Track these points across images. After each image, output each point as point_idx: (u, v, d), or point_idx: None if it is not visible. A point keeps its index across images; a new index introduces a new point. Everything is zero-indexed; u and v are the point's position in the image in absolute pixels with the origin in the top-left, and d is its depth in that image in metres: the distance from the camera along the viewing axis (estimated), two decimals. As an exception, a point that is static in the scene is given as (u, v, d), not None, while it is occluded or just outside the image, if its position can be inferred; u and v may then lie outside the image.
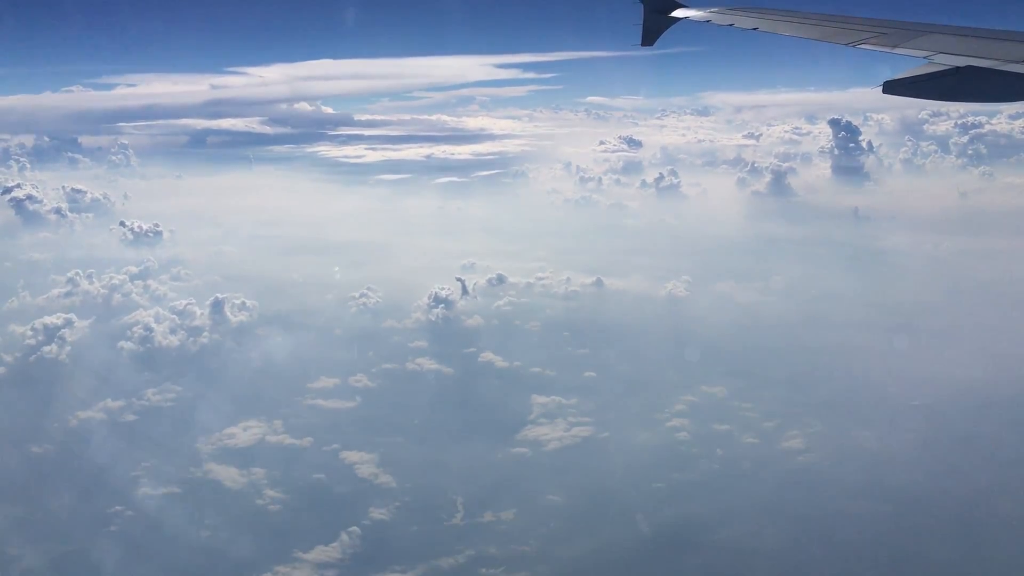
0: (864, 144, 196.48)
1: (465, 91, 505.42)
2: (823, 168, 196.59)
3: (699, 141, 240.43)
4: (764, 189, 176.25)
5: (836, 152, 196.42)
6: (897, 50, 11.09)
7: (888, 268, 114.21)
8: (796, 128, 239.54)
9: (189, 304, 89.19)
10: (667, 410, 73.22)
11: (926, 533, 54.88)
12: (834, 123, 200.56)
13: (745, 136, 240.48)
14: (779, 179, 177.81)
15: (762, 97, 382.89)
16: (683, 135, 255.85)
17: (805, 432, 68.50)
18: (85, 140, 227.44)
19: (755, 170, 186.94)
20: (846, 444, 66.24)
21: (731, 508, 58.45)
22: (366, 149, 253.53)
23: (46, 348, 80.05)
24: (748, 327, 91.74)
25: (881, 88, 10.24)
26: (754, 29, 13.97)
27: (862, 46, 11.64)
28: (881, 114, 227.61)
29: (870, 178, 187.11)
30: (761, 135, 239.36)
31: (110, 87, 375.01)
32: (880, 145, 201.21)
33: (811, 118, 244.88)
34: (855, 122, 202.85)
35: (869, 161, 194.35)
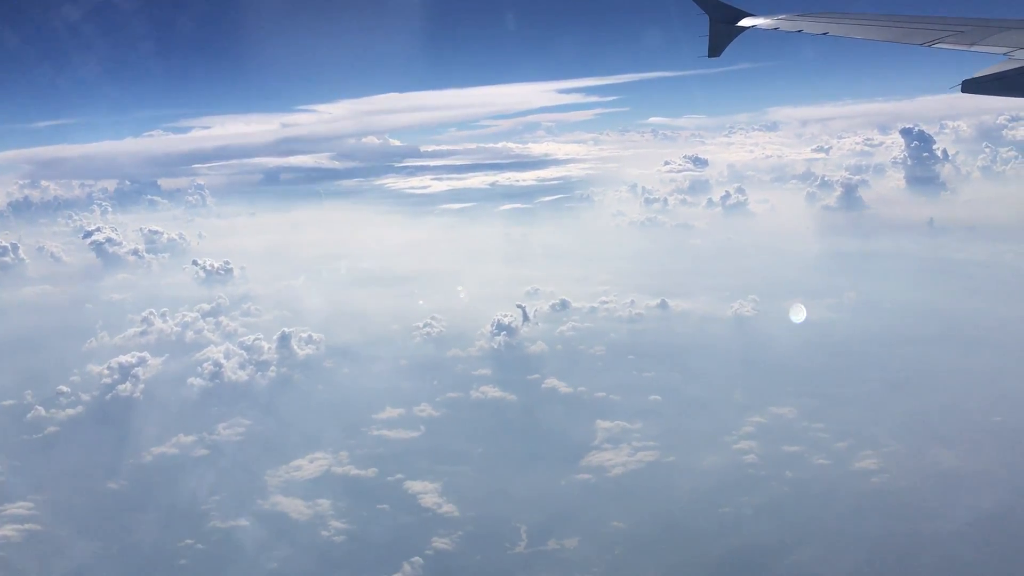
0: (939, 152, 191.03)
1: (531, 117, 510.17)
2: (897, 179, 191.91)
3: (767, 157, 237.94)
4: (835, 203, 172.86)
5: (909, 162, 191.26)
6: (975, 48, 10.77)
7: (966, 281, 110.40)
8: (868, 139, 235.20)
9: (257, 339, 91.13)
10: (735, 432, 71.67)
11: (1010, 557, 52.38)
12: (906, 132, 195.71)
13: (814, 150, 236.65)
14: (850, 192, 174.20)
15: (829, 110, 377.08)
16: (751, 151, 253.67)
17: (879, 452, 66.17)
18: (164, 182, 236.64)
19: (825, 184, 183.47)
20: (923, 464, 63.76)
21: (802, 532, 56.66)
22: (432, 179, 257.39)
23: (121, 386, 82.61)
24: (819, 345, 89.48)
25: (959, 88, 9.88)
26: (824, 34, 13.66)
27: (938, 45, 11.31)
28: (957, 121, 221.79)
29: (946, 187, 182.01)
30: (831, 148, 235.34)
31: (186, 130, 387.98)
32: (956, 153, 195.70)
33: (883, 128, 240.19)
34: (930, 130, 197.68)
35: (945, 170, 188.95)
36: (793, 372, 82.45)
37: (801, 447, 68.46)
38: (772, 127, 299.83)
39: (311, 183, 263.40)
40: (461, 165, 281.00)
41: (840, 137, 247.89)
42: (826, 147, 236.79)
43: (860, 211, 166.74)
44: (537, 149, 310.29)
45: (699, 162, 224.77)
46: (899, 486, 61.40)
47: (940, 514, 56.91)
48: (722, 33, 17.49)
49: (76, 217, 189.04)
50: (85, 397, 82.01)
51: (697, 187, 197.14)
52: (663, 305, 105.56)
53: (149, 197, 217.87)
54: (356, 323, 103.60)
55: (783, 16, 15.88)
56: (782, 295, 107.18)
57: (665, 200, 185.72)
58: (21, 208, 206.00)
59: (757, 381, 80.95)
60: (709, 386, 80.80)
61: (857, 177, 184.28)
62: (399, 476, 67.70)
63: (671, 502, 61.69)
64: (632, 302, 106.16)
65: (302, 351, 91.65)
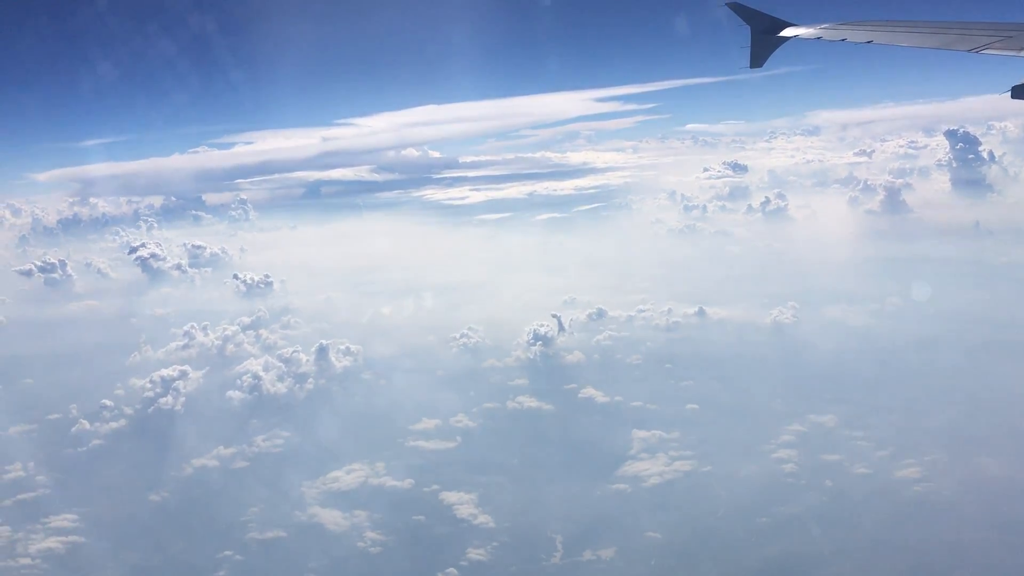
0: (985, 154, 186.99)
1: (571, 126, 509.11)
2: (942, 182, 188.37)
3: (808, 162, 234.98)
4: (878, 207, 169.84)
5: (955, 164, 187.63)
6: None
7: (1012, 285, 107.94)
8: (912, 142, 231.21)
9: (296, 351, 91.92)
10: (773, 441, 70.86)
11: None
12: (951, 134, 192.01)
13: (856, 153, 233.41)
14: (893, 196, 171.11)
15: (870, 113, 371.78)
16: (791, 156, 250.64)
17: (921, 460, 64.92)
18: (208, 197, 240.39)
19: (868, 188, 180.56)
20: (967, 472, 62.46)
21: (841, 543, 55.87)
22: (470, 190, 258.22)
23: (163, 400, 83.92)
24: (860, 351, 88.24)
25: (1008, 94, 9.74)
26: (868, 42, 13.55)
27: (986, 51, 11.12)
28: (1004, 122, 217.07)
29: (993, 190, 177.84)
30: (874, 151, 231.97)
31: (230, 146, 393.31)
32: (1003, 154, 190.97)
33: (928, 130, 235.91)
34: (977, 132, 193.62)
35: (992, 172, 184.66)
36: (833, 379, 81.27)
37: (841, 456, 67.44)
38: (813, 131, 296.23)
39: (351, 196, 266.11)
40: (499, 175, 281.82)
41: (883, 140, 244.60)
42: (868, 151, 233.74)
43: (903, 215, 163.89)
44: (576, 158, 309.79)
45: (739, 168, 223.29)
46: (942, 495, 60.19)
47: (984, 523, 55.80)
48: (764, 44, 17.36)
49: (123, 233, 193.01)
50: (128, 410, 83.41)
51: (737, 193, 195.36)
52: (701, 313, 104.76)
53: (194, 212, 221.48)
54: (394, 334, 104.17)
55: (826, 25, 15.78)
56: (823, 301, 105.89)
57: (704, 207, 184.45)
58: (70, 225, 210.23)
59: (796, 389, 79.93)
60: (747, 394, 79.99)
61: (900, 180, 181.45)
62: (435, 487, 67.88)
63: (708, 512, 61.19)
64: (669, 310, 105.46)
65: (340, 363, 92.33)
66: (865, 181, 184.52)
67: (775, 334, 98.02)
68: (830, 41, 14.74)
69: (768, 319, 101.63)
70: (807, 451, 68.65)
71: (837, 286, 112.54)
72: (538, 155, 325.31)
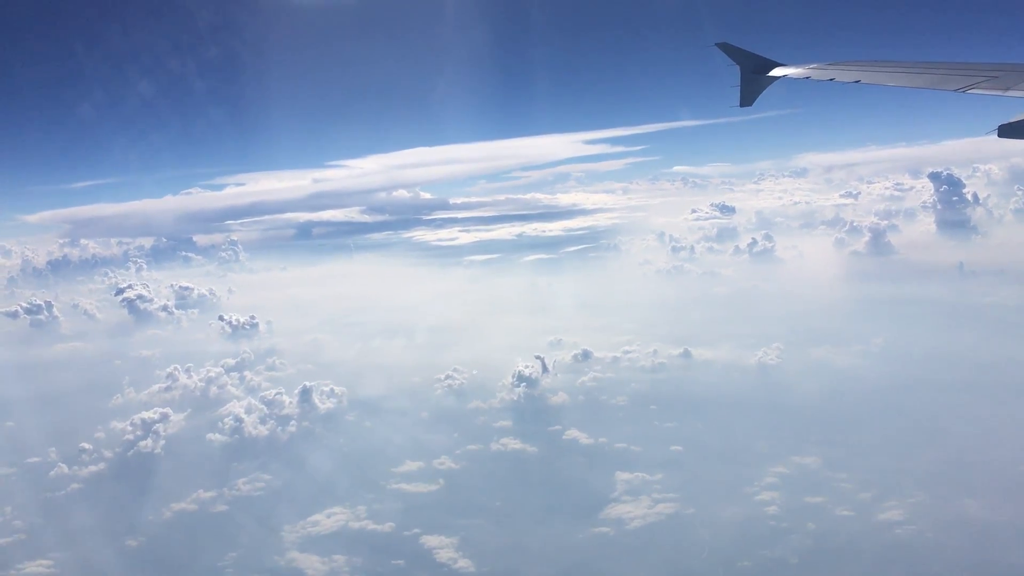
0: (969, 196, 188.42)
1: (562, 168, 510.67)
2: (927, 223, 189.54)
3: (795, 203, 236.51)
4: (864, 248, 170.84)
5: (939, 206, 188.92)
6: (1010, 92, 10.73)
7: (996, 326, 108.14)
8: (897, 184, 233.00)
9: (279, 394, 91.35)
10: (756, 483, 70.45)
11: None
12: (935, 176, 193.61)
13: (843, 195, 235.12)
14: (879, 237, 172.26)
15: (855, 155, 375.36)
16: (779, 198, 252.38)
17: (905, 503, 64.58)
18: (199, 239, 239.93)
19: (854, 229, 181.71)
20: (950, 515, 62.03)
21: (823, 587, 55.36)
22: (459, 231, 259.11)
23: (143, 443, 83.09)
24: (845, 393, 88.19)
25: (994, 133, 9.92)
26: (856, 82, 13.71)
27: (973, 91, 11.25)
28: (988, 164, 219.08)
29: (978, 231, 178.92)
30: (860, 193, 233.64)
31: (221, 187, 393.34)
32: (988, 196, 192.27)
33: (914, 173, 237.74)
34: (962, 173, 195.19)
35: (976, 213, 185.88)
36: (818, 421, 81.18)
37: (824, 497, 67.04)
38: (800, 173, 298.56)
39: (342, 237, 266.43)
40: (489, 216, 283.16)
41: (869, 182, 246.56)
42: (855, 192, 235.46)
43: (889, 256, 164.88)
44: (565, 199, 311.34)
45: (726, 209, 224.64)
46: (925, 537, 59.85)
47: (967, 565, 55.47)
48: (754, 83, 17.75)
49: (112, 275, 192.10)
50: (108, 454, 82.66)
51: (725, 234, 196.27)
52: (686, 354, 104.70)
53: (184, 254, 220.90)
54: (380, 376, 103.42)
55: (814, 65, 16.01)
56: (808, 342, 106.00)
57: (692, 248, 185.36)
58: (60, 267, 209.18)
59: (780, 430, 79.68)
60: (731, 436, 79.71)
61: (886, 222, 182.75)
62: (416, 531, 67.18)
63: (690, 556, 60.66)
64: (655, 351, 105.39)
65: (324, 405, 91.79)
66: (851, 222, 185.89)
67: (760, 375, 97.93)
68: (817, 82, 14.94)
69: (753, 360, 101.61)
70: (790, 493, 68.24)
71: (823, 327, 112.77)
72: (528, 196, 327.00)
